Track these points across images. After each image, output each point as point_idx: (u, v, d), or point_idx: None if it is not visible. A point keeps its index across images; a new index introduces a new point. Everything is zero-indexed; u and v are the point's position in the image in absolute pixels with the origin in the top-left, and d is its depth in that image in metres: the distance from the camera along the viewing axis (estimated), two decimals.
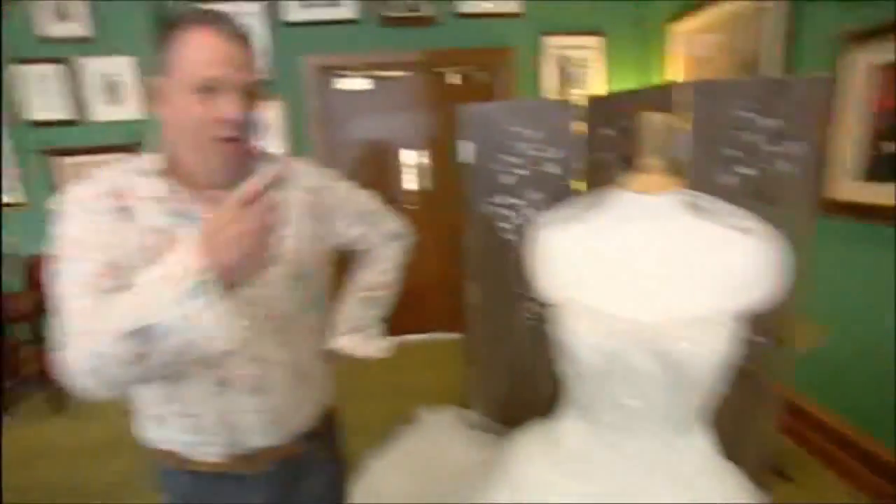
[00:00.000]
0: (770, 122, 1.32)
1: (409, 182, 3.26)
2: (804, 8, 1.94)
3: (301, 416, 0.86)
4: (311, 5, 2.82)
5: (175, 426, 0.78)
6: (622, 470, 0.76)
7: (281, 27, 2.84)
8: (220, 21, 0.69)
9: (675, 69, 2.82)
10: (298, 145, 3.00)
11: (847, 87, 1.75)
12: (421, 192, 3.26)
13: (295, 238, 0.80)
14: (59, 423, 2.58)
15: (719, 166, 1.36)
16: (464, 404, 2.27)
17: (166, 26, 0.69)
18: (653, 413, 0.73)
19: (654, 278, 0.73)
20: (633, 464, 0.75)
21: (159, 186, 0.72)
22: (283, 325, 0.80)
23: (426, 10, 2.93)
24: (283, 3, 2.81)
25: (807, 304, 1.40)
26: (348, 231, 0.93)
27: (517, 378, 2.00)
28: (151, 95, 0.74)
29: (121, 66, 2.73)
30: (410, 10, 2.92)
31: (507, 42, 3.07)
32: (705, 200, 0.78)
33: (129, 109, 2.78)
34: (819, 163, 1.34)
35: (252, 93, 0.72)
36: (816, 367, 1.97)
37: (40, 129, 2.79)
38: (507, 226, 1.80)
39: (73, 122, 2.78)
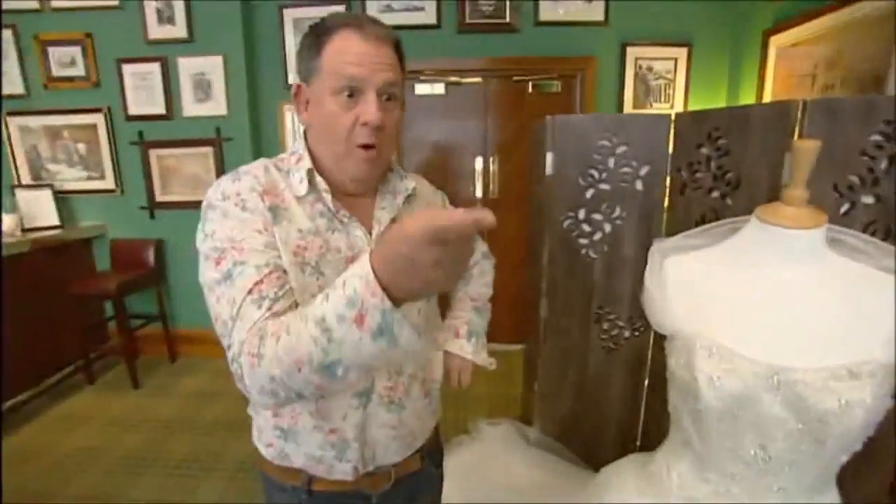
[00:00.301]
0: None
1: (476, 188, 3.24)
2: None
3: (426, 429, 0.87)
4: (392, 11, 2.87)
5: (310, 441, 0.76)
6: None
7: None
8: (364, 23, 0.69)
9: (770, 85, 2.63)
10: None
11: None
12: (486, 200, 3.24)
13: None
14: (136, 397, 2.75)
15: (835, 194, 1.25)
16: (524, 418, 2.22)
17: (315, 33, 0.71)
18: (781, 466, 0.66)
19: (791, 321, 0.66)
20: None
21: (306, 186, 0.73)
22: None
23: (506, 17, 2.90)
24: (368, 6, 2.87)
25: None
26: None
27: (583, 400, 1.93)
28: (298, 101, 0.75)
29: (211, 66, 2.88)
30: (491, 17, 2.90)
31: (587, 51, 2.99)
32: (854, 237, 0.70)
33: (215, 105, 2.93)
34: None
35: (393, 96, 0.72)
36: None
37: (134, 123, 3.00)
38: (585, 241, 1.74)
39: (164, 116, 2.96)
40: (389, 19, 2.85)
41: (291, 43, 2.93)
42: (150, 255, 3.03)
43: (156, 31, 2.88)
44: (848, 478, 1.40)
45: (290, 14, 2.90)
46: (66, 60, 2.94)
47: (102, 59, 2.95)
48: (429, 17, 2.87)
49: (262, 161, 0.76)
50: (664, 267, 0.78)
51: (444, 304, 1.07)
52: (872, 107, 1.19)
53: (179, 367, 3.13)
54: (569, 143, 1.70)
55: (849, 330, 0.64)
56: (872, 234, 1.25)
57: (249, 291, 0.62)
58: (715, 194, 1.49)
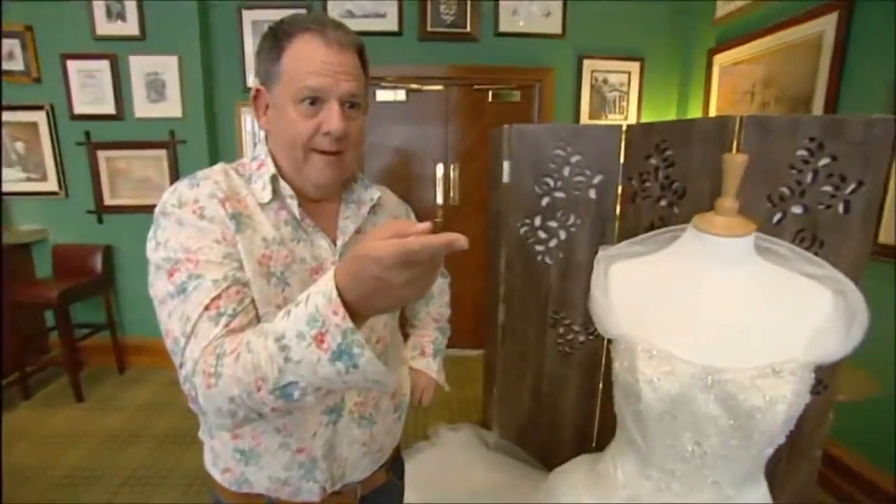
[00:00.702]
0: (824, 162, 1.29)
1: (437, 195, 3.27)
2: (857, 46, 1.91)
3: (394, 443, 0.86)
4: (354, 17, 2.87)
5: (275, 462, 0.72)
6: None
7: None
8: (327, 28, 0.66)
9: (715, 100, 2.79)
10: None
11: None
12: (446, 206, 3.27)
13: None
14: (78, 410, 2.61)
15: (768, 204, 1.34)
16: (484, 423, 2.24)
17: (274, 35, 0.68)
18: (715, 461, 0.71)
19: (724, 324, 0.71)
20: None
21: (270, 193, 0.70)
22: (383, 352, 0.78)
23: (467, 27, 2.95)
24: (330, 12, 2.86)
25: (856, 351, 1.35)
26: None
27: (540, 403, 1.97)
28: (257, 105, 0.72)
29: (165, 65, 2.79)
30: (452, 26, 2.94)
31: (545, 62, 3.08)
32: (777, 244, 0.75)
33: (169, 107, 2.83)
34: (875, 206, 1.30)
35: (356, 104, 0.70)
36: (860, 419, 1.90)
37: (80, 122, 2.86)
38: (541, 248, 1.79)
39: (114, 116, 2.84)
40: (351, 25, 2.81)
41: (250, 45, 2.88)
42: (98, 262, 2.88)
43: (104, 27, 2.76)
44: (780, 471, 1.51)
45: (248, 16, 2.85)
46: (3, 53, 2.78)
47: (45, 54, 2.80)
48: (390, 24, 2.89)
49: (221, 165, 0.72)
50: (609, 273, 0.82)
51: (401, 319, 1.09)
52: (798, 124, 1.28)
53: (128, 378, 2.99)
54: (525, 152, 1.73)
55: (774, 331, 0.70)
56: (801, 242, 1.35)
57: (206, 307, 0.58)
58: (663, 203, 1.56)
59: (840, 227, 1.32)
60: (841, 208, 1.31)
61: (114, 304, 2.99)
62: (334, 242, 0.74)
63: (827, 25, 2.00)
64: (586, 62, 3.09)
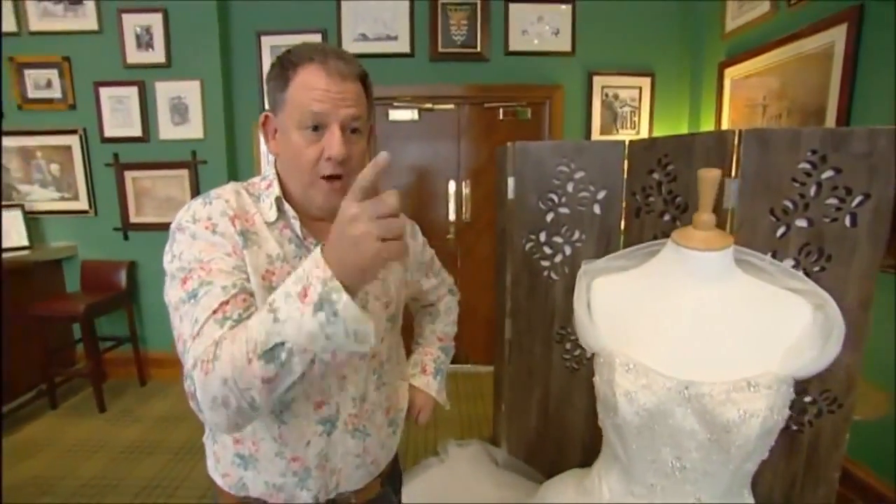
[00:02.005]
0: (828, 175, 1.27)
1: (449, 211, 3.31)
2: (867, 57, 1.89)
3: (388, 456, 0.87)
4: (367, 40, 2.97)
5: (271, 468, 0.75)
6: None
7: None
8: (329, 58, 0.70)
9: (727, 113, 2.77)
10: None
11: None
12: (458, 222, 3.30)
13: (390, 280, 0.83)
14: (100, 421, 2.69)
15: (771, 218, 1.32)
16: (493, 439, 2.22)
17: (281, 65, 0.73)
18: (696, 476, 0.70)
19: (703, 338, 0.71)
20: None
21: (275, 213, 0.74)
22: (379, 367, 0.81)
23: (477, 47, 3.01)
24: (344, 35, 2.96)
25: (867, 367, 1.31)
26: (424, 281, 0.99)
27: (548, 420, 1.95)
28: (266, 130, 0.77)
29: (188, 90, 2.93)
30: (462, 47, 3.01)
31: (554, 79, 3.11)
32: (758, 258, 0.75)
33: (191, 129, 2.97)
34: (886, 219, 1.27)
35: (357, 129, 0.73)
36: (875, 436, 1.82)
37: (110, 144, 3.02)
38: (546, 263, 1.79)
39: (140, 138, 2.99)
40: (364, 48, 2.96)
41: (268, 69, 3.00)
42: (122, 277, 3.01)
43: (134, 55, 2.93)
44: (796, 494, 1.45)
45: (267, 41, 2.98)
46: (42, 83, 2.97)
47: (79, 82, 2.98)
48: (402, 46, 2.97)
49: (232, 185, 0.77)
50: (591, 287, 0.83)
51: (408, 338, 1.10)
52: (799, 137, 1.27)
53: (149, 390, 3.08)
54: (529, 169, 1.75)
55: (751, 344, 0.69)
56: (807, 255, 1.33)
57: (214, 311, 0.62)
58: (666, 217, 1.55)
59: (847, 240, 1.29)
60: (847, 221, 1.29)
61: (136, 318, 3.10)
62: None
63: (836, 37, 1.97)
64: (596, 78, 3.11)
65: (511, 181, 1.78)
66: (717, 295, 0.72)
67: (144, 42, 2.92)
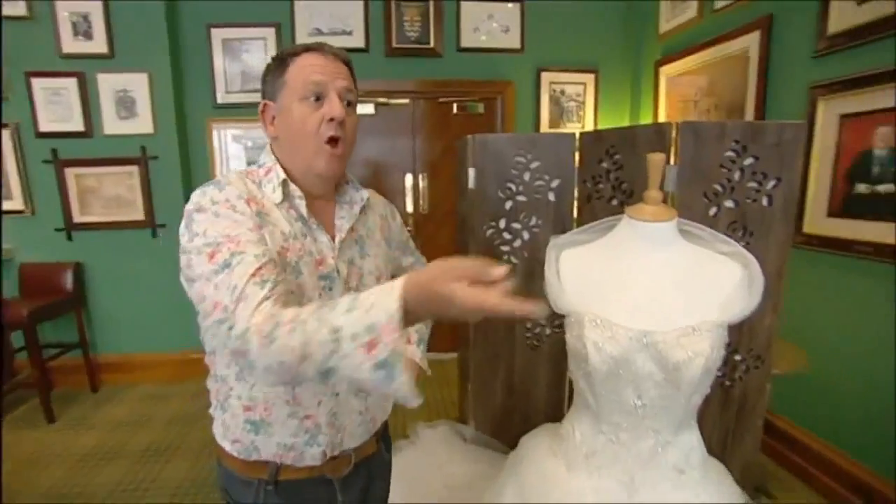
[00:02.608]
0: (749, 162, 1.47)
1: (407, 204, 3.39)
2: (779, 59, 2.15)
3: (383, 416, 0.95)
4: (321, 34, 2.98)
5: (284, 429, 0.82)
6: (624, 464, 0.86)
7: None
8: (324, 46, 0.82)
9: (664, 108, 3.02)
10: None
11: (819, 133, 1.94)
12: (417, 214, 3.38)
13: (378, 258, 0.91)
14: (50, 432, 2.57)
15: (705, 199, 1.51)
16: (460, 420, 2.34)
17: (280, 58, 0.82)
18: (653, 411, 0.84)
19: (655, 294, 0.85)
20: (635, 458, 0.85)
21: (280, 195, 0.81)
22: (416, 377, 0.86)
23: (430, 43, 3.10)
24: (298, 30, 2.96)
25: (787, 329, 1.53)
26: (403, 259, 1.05)
27: (513, 395, 2.08)
28: (264, 118, 0.84)
29: (135, 82, 2.82)
30: (416, 43, 3.09)
31: (505, 75, 3.26)
32: (696, 228, 0.90)
33: (140, 123, 2.86)
34: (794, 199, 1.49)
35: (351, 103, 0.82)
36: (793, 390, 2.10)
37: (47, 140, 2.85)
38: (507, 248, 1.91)
39: (82, 133, 2.85)
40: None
41: (220, 61, 2.95)
42: (68, 280, 2.86)
43: (71, 44, 2.77)
44: (729, 441, 1.67)
45: (218, 33, 2.92)
46: None
47: (10, 73, 2.78)
48: (357, 41, 3.01)
49: (236, 173, 0.82)
50: (560, 259, 0.95)
51: None
52: (724, 129, 1.46)
53: (102, 396, 2.95)
54: (488, 160, 1.86)
55: (693, 298, 0.84)
56: (734, 231, 1.53)
57: (252, 275, 0.66)
58: (615, 202, 1.71)
59: (764, 219, 1.51)
60: (765, 202, 1.50)
61: (86, 323, 2.96)
62: (333, 239, 0.85)
63: (751, 42, 2.23)
64: (544, 74, 3.28)
65: (472, 172, 1.89)
66: (665, 259, 0.86)
67: (82, 30, 2.77)
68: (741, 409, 1.66)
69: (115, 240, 2.92)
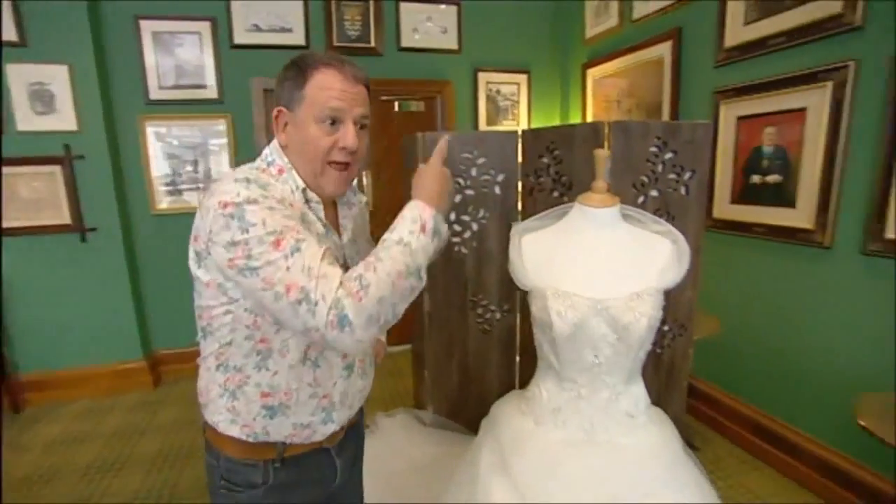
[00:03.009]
0: (669, 156, 1.70)
1: None
2: (688, 67, 2.45)
3: (369, 391, 1.05)
4: (260, 31, 2.93)
5: (303, 410, 0.88)
6: (585, 414, 1.01)
7: (229, 49, 2.94)
8: (345, 65, 0.83)
9: (591, 107, 3.28)
10: (245, 158, 3.02)
11: (722, 132, 2.25)
12: None
13: (363, 253, 0.96)
14: None
15: (634, 189, 1.71)
16: (417, 407, 2.43)
17: (298, 67, 0.83)
18: (608, 367, 0.99)
19: (605, 267, 1.00)
20: (594, 408, 1.01)
21: (300, 198, 0.85)
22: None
23: (371, 42, 3.15)
24: (235, 25, 2.89)
25: (701, 301, 1.78)
26: (366, 248, 1.10)
27: (468, 379, 2.20)
28: (277, 123, 0.87)
29: (53, 75, 2.61)
30: (357, 41, 3.12)
31: (444, 75, 3.38)
32: (635, 212, 1.07)
33: (61, 120, 2.65)
34: (705, 189, 1.73)
35: (364, 126, 0.87)
36: (709, 355, 2.42)
37: None
38: (457, 239, 2.03)
39: None
40: (258, 39, 2.93)
41: (151, 56, 2.81)
42: None
43: None
44: (662, 400, 1.90)
45: (148, 26, 2.78)
46: None
47: None
48: (297, 38, 2.99)
49: (243, 174, 0.81)
50: (521, 242, 1.08)
51: None
52: (649, 128, 1.67)
53: (28, 417, 2.72)
54: None
55: (636, 269, 1.00)
56: (660, 217, 1.75)
57: (322, 257, 0.74)
58: (556, 194, 1.87)
59: (683, 205, 1.75)
60: (683, 191, 1.73)
61: (4, 338, 2.71)
62: (340, 237, 0.93)
63: (665, 50, 2.52)
64: (480, 74, 3.45)
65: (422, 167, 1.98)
66: (611, 238, 1.02)
67: None
68: (669, 373, 1.90)
69: (35, 246, 2.70)
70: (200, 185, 3.03)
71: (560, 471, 0.97)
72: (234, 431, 0.89)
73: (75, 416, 2.70)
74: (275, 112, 0.87)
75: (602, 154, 1.01)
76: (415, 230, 0.79)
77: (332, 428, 0.93)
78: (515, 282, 1.07)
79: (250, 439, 0.88)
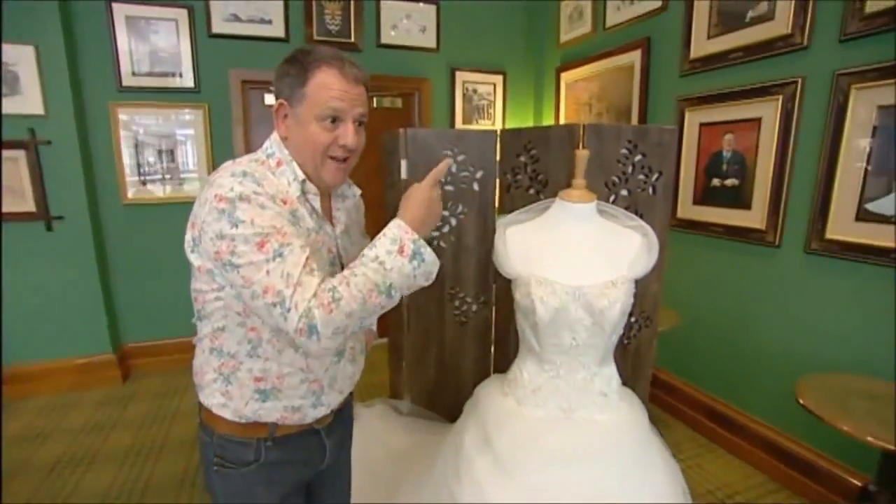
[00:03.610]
0: (638, 158, 1.81)
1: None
2: (656, 74, 2.59)
3: (360, 375, 1.09)
4: (240, 21, 2.90)
5: (294, 393, 0.92)
6: (563, 393, 1.10)
7: (207, 38, 2.90)
8: (345, 64, 0.86)
9: (563, 109, 3.41)
10: (221, 150, 3.03)
11: (686, 137, 2.40)
12: None
13: (356, 245, 1.02)
14: None
15: (605, 188, 1.82)
16: (394, 397, 2.48)
17: (300, 63, 0.85)
18: (584, 349, 1.08)
19: (582, 258, 1.09)
20: (571, 387, 1.09)
21: (297, 190, 0.88)
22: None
23: (351, 37, 3.17)
24: (214, 14, 2.85)
25: (665, 295, 1.91)
26: (360, 241, 1.13)
27: (445, 369, 2.27)
28: (277, 115, 0.89)
29: (17, 55, 2.50)
30: (336, 36, 3.14)
31: (422, 73, 3.43)
32: (609, 208, 1.16)
33: (25, 102, 2.55)
34: (670, 190, 1.86)
35: (363, 123, 0.91)
36: (669, 346, 2.57)
37: None
38: (436, 233, 2.08)
39: None
40: (236, 29, 2.90)
41: (125, 41, 2.74)
42: None
43: None
44: (628, 387, 2.01)
45: (121, 9, 2.71)
46: None
47: None
48: (277, 30, 2.98)
49: (241, 167, 0.83)
50: (506, 234, 1.16)
51: None
52: (620, 130, 1.78)
53: None
54: (419, 152, 1.99)
55: (610, 260, 1.10)
56: None
57: (303, 265, 0.77)
58: (532, 191, 1.95)
59: (651, 205, 1.86)
60: (651, 191, 1.85)
61: None
62: (333, 229, 0.96)
63: (635, 58, 2.66)
64: (458, 73, 3.52)
65: (404, 163, 2.03)
66: (588, 231, 1.11)
67: None
68: (635, 362, 2.03)
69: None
70: (169, 177, 2.97)
71: (540, 444, 1.05)
72: (227, 413, 0.93)
73: (37, 412, 2.62)
74: (276, 105, 0.90)
75: (583, 154, 1.10)
76: (393, 251, 0.81)
77: (322, 411, 0.97)
78: (500, 270, 1.15)
79: (242, 420, 0.92)
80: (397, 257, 0.81)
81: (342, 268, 0.92)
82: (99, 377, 2.87)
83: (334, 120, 0.86)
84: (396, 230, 0.83)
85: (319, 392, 0.95)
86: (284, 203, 0.84)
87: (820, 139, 1.86)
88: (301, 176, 0.89)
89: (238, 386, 0.91)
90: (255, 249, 0.76)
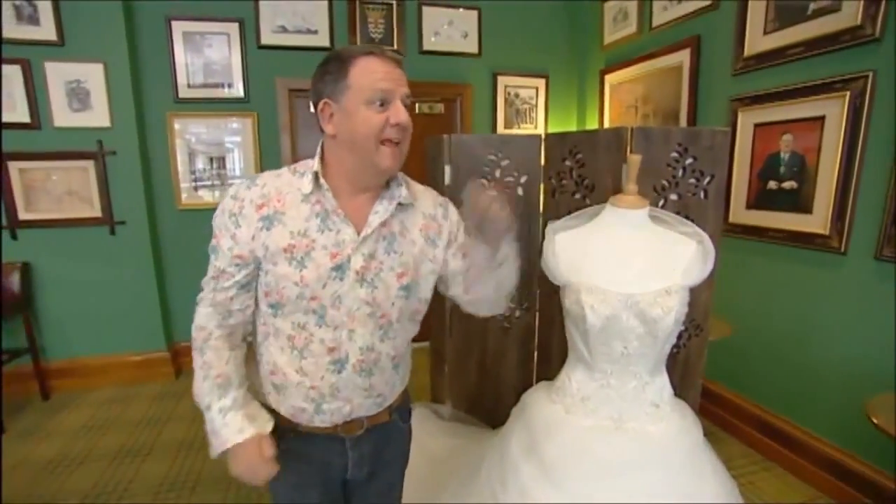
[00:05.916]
0: (689, 162, 1.75)
1: None
2: (706, 74, 2.50)
3: (393, 393, 1.03)
4: (286, 32, 3.01)
5: (296, 394, 0.93)
6: (614, 403, 1.07)
7: (256, 49, 3.02)
8: (383, 51, 0.86)
9: (608, 112, 3.34)
10: (269, 156, 3.15)
11: (739, 138, 2.30)
12: None
13: (409, 255, 0.95)
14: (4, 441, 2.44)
15: (654, 193, 1.77)
16: (434, 402, 2.49)
17: (339, 60, 0.85)
18: (635, 358, 1.05)
19: (633, 265, 1.06)
20: (622, 397, 1.07)
21: (310, 186, 0.87)
22: (387, 325, 0.95)
23: (394, 45, 3.23)
24: (262, 27, 2.98)
25: (716, 303, 1.84)
26: (451, 261, 1.03)
27: (486, 375, 2.26)
28: (323, 115, 0.88)
29: (88, 73, 2.70)
30: (380, 44, 3.20)
31: (464, 78, 3.45)
32: (662, 213, 1.13)
33: (95, 116, 2.74)
34: (723, 194, 1.79)
35: (409, 105, 0.88)
36: (720, 356, 2.46)
37: None
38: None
39: (28, 125, 2.69)
40: (283, 40, 3.01)
41: (181, 55, 2.90)
42: (14, 281, 2.69)
43: (14, 30, 2.61)
44: (678, 396, 1.94)
45: (179, 26, 2.87)
46: None
47: None
48: (322, 40, 3.07)
49: (284, 168, 0.92)
50: (555, 240, 1.14)
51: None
52: (670, 134, 1.72)
53: (55, 403, 2.81)
54: (462, 158, 2.00)
55: (663, 267, 1.06)
56: None
57: (214, 277, 0.92)
58: (577, 196, 1.92)
59: (702, 210, 1.79)
60: (702, 195, 1.79)
61: (34, 327, 2.80)
62: (359, 233, 0.89)
63: (684, 57, 2.57)
64: (500, 78, 3.51)
65: (448, 169, 2.04)
66: (640, 237, 1.08)
67: (27, 15, 2.62)
68: (685, 372, 1.95)
69: (67, 238, 2.79)
70: (219, 182, 3.11)
71: (589, 454, 1.03)
72: (259, 397, 0.98)
73: (100, 404, 2.79)
74: (320, 105, 0.88)
75: (635, 159, 1.07)
76: (207, 426, 0.93)
77: (326, 418, 0.95)
78: (549, 277, 1.14)
79: (273, 406, 0.98)
80: (208, 426, 0.93)
81: (355, 273, 0.89)
82: (154, 372, 3.03)
83: (383, 103, 0.84)
84: (219, 437, 0.91)
85: (320, 400, 0.93)
86: (262, 209, 0.87)
87: (893, 137, 1.74)
88: (316, 168, 0.88)
89: (260, 374, 0.98)
90: (213, 243, 0.92)
